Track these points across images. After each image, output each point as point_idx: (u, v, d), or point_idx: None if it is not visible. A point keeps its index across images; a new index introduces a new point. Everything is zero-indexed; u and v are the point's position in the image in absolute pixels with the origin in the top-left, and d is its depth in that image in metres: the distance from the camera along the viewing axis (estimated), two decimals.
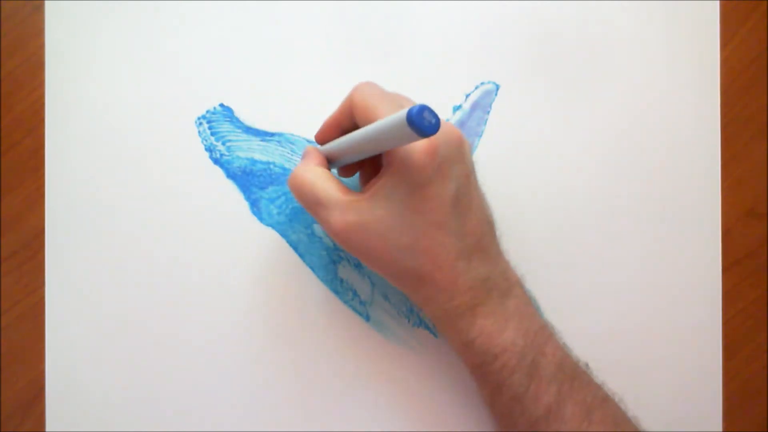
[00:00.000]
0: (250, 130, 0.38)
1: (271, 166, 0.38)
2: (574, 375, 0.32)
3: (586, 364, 0.33)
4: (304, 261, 0.37)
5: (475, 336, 0.31)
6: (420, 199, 0.29)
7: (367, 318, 0.37)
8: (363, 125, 0.30)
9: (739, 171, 0.39)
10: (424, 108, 0.24)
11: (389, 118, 0.26)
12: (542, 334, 0.32)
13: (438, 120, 0.25)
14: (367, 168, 0.34)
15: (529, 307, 0.33)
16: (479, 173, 0.37)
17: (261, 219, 0.38)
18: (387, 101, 0.30)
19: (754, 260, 0.39)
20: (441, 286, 0.30)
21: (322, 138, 0.34)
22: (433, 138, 0.28)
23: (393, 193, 0.29)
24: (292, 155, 0.38)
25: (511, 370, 0.31)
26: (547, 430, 0.30)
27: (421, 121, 0.24)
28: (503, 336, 0.31)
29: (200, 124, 0.38)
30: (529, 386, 0.31)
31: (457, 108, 0.38)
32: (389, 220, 0.29)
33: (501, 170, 0.38)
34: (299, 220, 0.38)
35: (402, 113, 0.25)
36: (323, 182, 0.31)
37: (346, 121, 0.32)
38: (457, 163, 0.30)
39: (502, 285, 0.32)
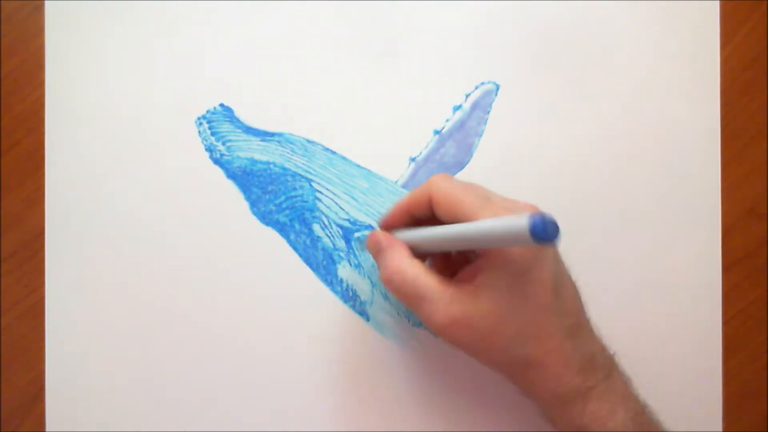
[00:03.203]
0: (250, 130, 0.38)
1: (271, 166, 0.38)
2: None
3: None
4: (304, 261, 0.37)
5: (588, 421, 0.30)
6: (524, 285, 0.29)
7: (367, 318, 0.37)
8: (447, 219, 0.30)
9: (739, 171, 0.39)
10: (547, 221, 0.24)
11: (504, 222, 0.26)
12: (645, 414, 0.31)
13: (557, 226, 0.24)
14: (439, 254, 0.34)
15: (630, 385, 0.32)
16: (480, 173, 0.38)
17: (261, 219, 0.38)
18: (473, 195, 0.30)
19: (754, 260, 0.39)
20: (552, 370, 0.29)
21: (391, 224, 0.34)
22: None
23: (496, 283, 0.29)
24: (292, 155, 0.38)
25: None
26: None
27: (545, 234, 0.24)
28: (615, 420, 0.30)
29: (200, 124, 0.38)
30: None
31: (457, 108, 0.38)
32: (496, 310, 0.29)
33: (501, 170, 0.38)
34: (299, 220, 0.38)
35: (522, 221, 0.24)
36: (424, 276, 0.30)
37: (421, 211, 0.32)
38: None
39: (606, 363, 0.31)
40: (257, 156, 0.38)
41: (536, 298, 0.29)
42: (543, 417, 0.32)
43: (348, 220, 0.38)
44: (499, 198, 0.31)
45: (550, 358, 0.29)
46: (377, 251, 0.33)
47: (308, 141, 0.38)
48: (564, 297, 0.30)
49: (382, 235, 0.33)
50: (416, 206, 0.32)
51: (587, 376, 0.30)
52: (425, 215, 0.32)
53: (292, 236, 0.38)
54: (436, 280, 0.30)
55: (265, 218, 0.38)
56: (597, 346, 0.31)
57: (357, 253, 0.38)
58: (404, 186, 0.38)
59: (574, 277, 0.31)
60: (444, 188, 0.31)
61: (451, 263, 0.34)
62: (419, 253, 0.32)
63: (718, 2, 0.39)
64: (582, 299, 0.32)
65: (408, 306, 0.31)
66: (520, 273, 0.29)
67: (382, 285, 0.37)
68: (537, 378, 0.30)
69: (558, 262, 0.31)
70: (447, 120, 0.38)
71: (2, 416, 0.37)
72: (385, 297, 0.37)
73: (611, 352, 0.32)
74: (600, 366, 0.31)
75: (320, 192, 0.38)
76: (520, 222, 0.24)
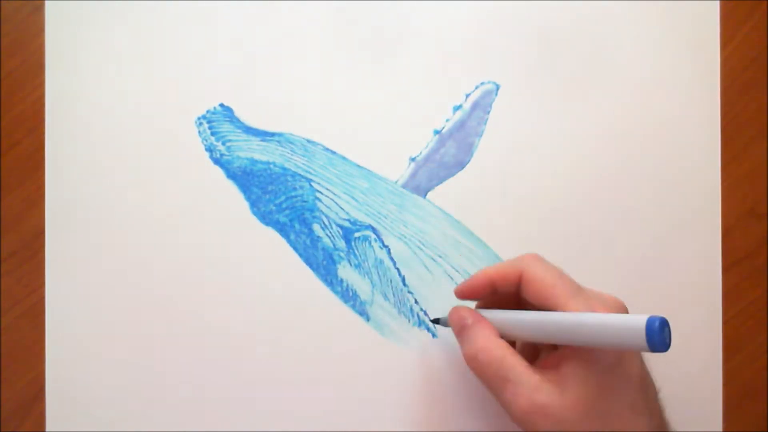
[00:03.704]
0: (250, 130, 0.38)
1: (271, 166, 0.38)
2: None
3: None
4: (304, 261, 0.37)
5: None
6: (613, 380, 0.28)
7: (367, 318, 0.37)
8: (534, 301, 0.30)
9: (739, 171, 0.39)
10: (665, 327, 0.23)
11: (617, 321, 0.25)
12: None
13: (670, 333, 0.23)
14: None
15: None
16: (480, 173, 0.38)
17: (261, 219, 0.38)
18: (566, 282, 0.30)
19: (754, 260, 0.39)
20: None
21: (469, 294, 0.33)
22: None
23: (584, 375, 0.28)
24: (292, 155, 0.38)
25: None
26: None
27: (662, 341, 0.23)
28: None
29: (200, 124, 0.38)
30: None
31: (457, 108, 0.38)
32: (582, 404, 0.28)
33: (501, 170, 0.38)
34: (299, 220, 0.38)
35: (639, 324, 0.23)
36: (511, 357, 0.29)
37: (506, 287, 0.31)
38: None
39: None
40: (257, 156, 0.38)
41: (624, 395, 0.28)
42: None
43: (348, 220, 0.38)
44: (589, 290, 0.30)
45: None
46: (461, 327, 0.32)
47: (308, 141, 0.38)
48: (650, 397, 0.29)
49: (467, 312, 0.32)
50: (502, 281, 0.31)
51: None
52: (508, 291, 0.31)
53: (292, 236, 0.38)
54: (523, 364, 0.29)
55: (265, 218, 0.38)
56: None
57: (357, 252, 0.38)
58: (404, 186, 0.38)
59: (588, 288, 0.31)
60: (538, 269, 0.30)
61: (536, 348, 0.33)
62: (504, 337, 0.31)
63: (718, 2, 0.39)
64: (661, 399, 0.31)
65: (489, 387, 0.30)
66: (610, 368, 0.28)
67: (382, 285, 0.37)
68: None
69: (644, 359, 0.30)
70: (447, 120, 0.38)
71: (2, 416, 0.37)
72: (385, 297, 0.37)
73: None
74: None
75: (320, 192, 0.38)
76: (636, 324, 0.23)
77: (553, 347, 0.31)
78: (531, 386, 0.28)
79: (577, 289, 0.29)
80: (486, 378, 0.30)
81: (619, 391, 0.28)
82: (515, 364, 0.29)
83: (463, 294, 0.33)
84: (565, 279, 0.30)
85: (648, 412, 0.29)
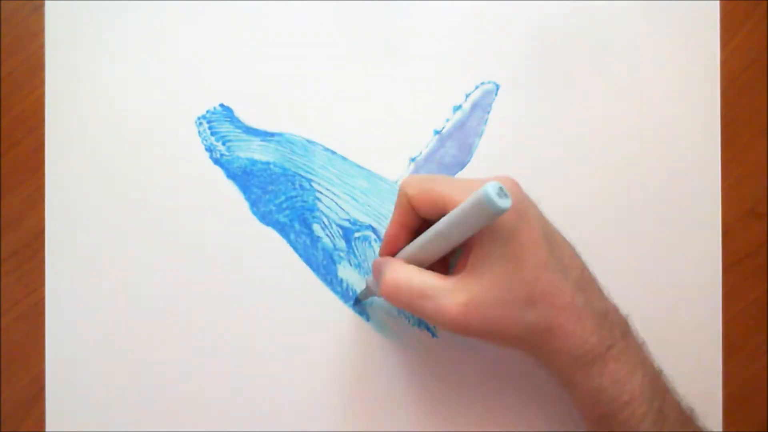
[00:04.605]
0: (250, 130, 0.38)
1: (271, 166, 0.38)
2: (686, 423, 0.31)
3: (691, 409, 0.32)
4: (304, 261, 0.37)
5: (607, 384, 0.29)
6: (516, 249, 0.28)
7: (367, 318, 0.37)
8: (434, 216, 0.30)
9: (739, 171, 0.39)
10: (495, 185, 0.25)
11: (467, 202, 0.27)
12: (662, 379, 0.31)
13: (507, 193, 0.26)
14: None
15: (645, 348, 0.31)
16: (480, 173, 0.38)
17: (261, 219, 0.38)
18: (443, 183, 0.30)
19: (754, 260, 0.39)
20: (568, 330, 0.29)
21: (392, 248, 0.33)
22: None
23: (489, 255, 0.29)
24: (292, 155, 0.38)
25: (639, 420, 0.29)
26: None
27: (498, 197, 0.25)
28: (632, 382, 0.29)
29: (200, 124, 0.38)
30: None
31: (457, 108, 0.38)
32: (498, 282, 0.28)
33: (501, 170, 0.38)
34: (299, 220, 0.38)
35: (478, 194, 0.26)
36: (418, 275, 0.30)
37: (410, 220, 0.32)
38: (529, 205, 0.30)
39: (621, 322, 0.31)
40: (257, 156, 0.38)
41: (532, 257, 0.29)
42: (564, 388, 0.31)
43: (348, 220, 0.38)
44: (467, 180, 0.31)
45: (564, 316, 0.29)
46: (375, 273, 0.32)
47: (308, 141, 0.38)
48: (561, 253, 0.30)
49: (377, 259, 0.33)
50: (405, 218, 0.32)
51: (603, 334, 0.29)
52: (417, 223, 0.32)
53: (292, 236, 0.38)
54: (432, 275, 0.30)
55: (265, 218, 0.38)
56: (609, 305, 0.31)
57: (357, 252, 0.38)
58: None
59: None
60: (416, 188, 0.31)
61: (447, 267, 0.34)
62: (422, 266, 0.31)
63: (718, 2, 0.39)
64: (581, 256, 0.31)
65: (414, 312, 0.30)
66: (509, 238, 0.28)
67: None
68: (556, 344, 0.29)
69: (544, 222, 0.30)
70: (447, 120, 0.38)
71: (2, 416, 0.37)
72: None
73: (625, 313, 0.31)
74: (615, 324, 0.30)
75: (320, 192, 0.38)
76: (477, 195, 0.26)
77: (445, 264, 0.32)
78: (447, 291, 0.29)
79: (459, 183, 0.30)
80: (407, 304, 0.30)
81: (527, 256, 0.29)
82: (425, 279, 0.29)
83: (389, 250, 0.33)
84: (442, 181, 0.30)
85: (563, 267, 0.29)
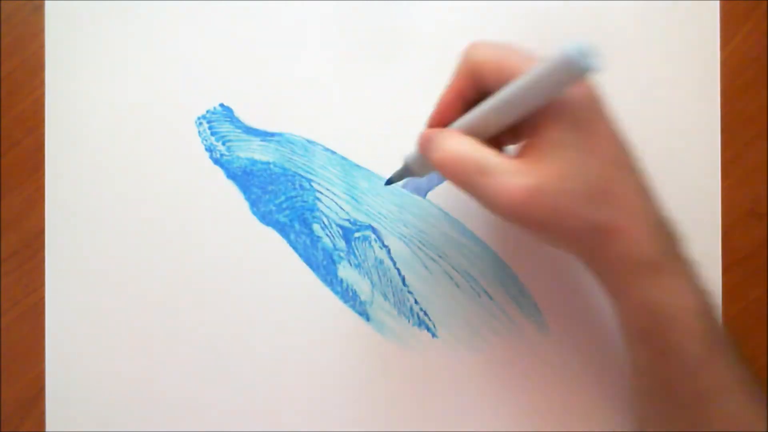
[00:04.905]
0: (250, 130, 0.38)
1: (271, 166, 0.38)
2: (733, 351, 0.29)
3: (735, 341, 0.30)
4: (304, 261, 0.37)
5: (659, 293, 0.27)
6: (589, 138, 0.26)
7: (367, 318, 0.37)
8: (499, 84, 0.26)
9: (739, 171, 0.39)
10: (578, 43, 0.23)
11: (545, 63, 0.24)
12: (710, 297, 0.28)
13: (590, 50, 0.23)
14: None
15: (693, 264, 0.29)
16: None
17: (261, 219, 0.38)
18: (513, 51, 0.27)
19: (754, 260, 0.39)
20: (629, 235, 0.26)
21: (443, 119, 0.29)
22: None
23: (562, 142, 0.26)
24: (292, 155, 0.38)
25: (691, 337, 0.27)
26: (711, 407, 0.27)
27: (582, 53, 0.23)
28: (686, 296, 0.27)
29: (200, 124, 0.38)
30: (704, 356, 0.27)
31: None
32: (566, 168, 0.26)
33: None
34: (299, 220, 0.38)
35: (561, 55, 0.23)
36: (481, 150, 0.27)
37: (469, 90, 0.28)
38: (603, 101, 0.28)
39: (677, 235, 0.28)
40: (257, 156, 0.38)
41: (607, 151, 0.26)
42: (610, 297, 0.29)
43: (348, 220, 0.38)
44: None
45: (627, 218, 0.26)
46: (426, 141, 0.29)
47: (308, 141, 0.38)
48: (631, 153, 0.28)
49: (428, 130, 0.29)
50: (465, 86, 0.28)
51: (659, 241, 0.27)
52: (476, 94, 0.28)
53: (292, 236, 0.38)
54: (495, 152, 0.27)
55: (265, 218, 0.38)
56: (664, 213, 0.28)
57: (357, 252, 0.38)
58: (404, 186, 0.38)
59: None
60: (488, 53, 0.27)
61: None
62: (479, 139, 0.28)
63: (718, 2, 0.39)
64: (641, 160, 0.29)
65: (469, 190, 0.27)
66: (584, 126, 0.26)
67: (382, 285, 0.37)
68: (613, 247, 0.27)
69: (617, 121, 0.28)
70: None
71: (2, 416, 0.37)
72: (385, 297, 0.37)
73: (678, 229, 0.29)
74: (669, 234, 0.28)
75: (320, 192, 0.38)
76: (563, 51, 0.23)
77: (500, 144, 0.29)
78: (512, 171, 0.26)
79: (527, 53, 0.27)
80: (463, 178, 0.27)
81: (598, 149, 0.26)
82: (488, 153, 0.27)
83: (439, 120, 0.30)
84: (512, 49, 0.27)
85: (632, 168, 0.27)
